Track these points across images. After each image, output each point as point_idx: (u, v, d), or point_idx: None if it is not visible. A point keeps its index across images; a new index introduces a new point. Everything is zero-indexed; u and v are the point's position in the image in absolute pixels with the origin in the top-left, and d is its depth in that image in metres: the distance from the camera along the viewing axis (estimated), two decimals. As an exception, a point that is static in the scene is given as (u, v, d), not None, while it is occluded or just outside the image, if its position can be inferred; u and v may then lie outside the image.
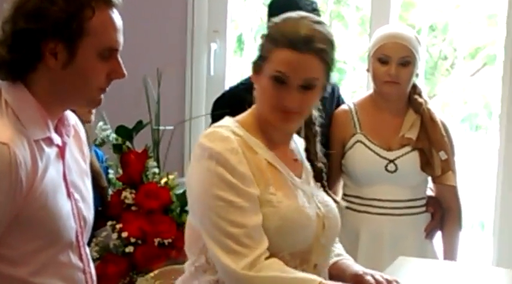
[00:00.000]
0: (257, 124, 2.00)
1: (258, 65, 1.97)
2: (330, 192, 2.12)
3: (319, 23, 1.96)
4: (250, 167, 1.90)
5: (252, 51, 3.98)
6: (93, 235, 2.73)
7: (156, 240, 2.72)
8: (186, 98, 3.79)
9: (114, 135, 2.94)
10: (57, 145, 1.78)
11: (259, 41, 2.00)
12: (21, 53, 1.67)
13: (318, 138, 2.13)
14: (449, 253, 2.98)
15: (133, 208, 2.79)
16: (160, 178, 2.89)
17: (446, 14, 4.05)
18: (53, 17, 1.66)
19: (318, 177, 2.10)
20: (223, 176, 1.86)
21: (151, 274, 2.50)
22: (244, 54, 4.06)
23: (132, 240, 2.72)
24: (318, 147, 2.13)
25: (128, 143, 2.92)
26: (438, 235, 3.01)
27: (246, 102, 2.84)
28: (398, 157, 2.85)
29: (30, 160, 1.68)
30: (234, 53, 4.04)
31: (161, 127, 3.28)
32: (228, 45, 3.78)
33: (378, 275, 2.02)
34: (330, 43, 1.95)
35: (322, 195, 2.07)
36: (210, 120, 3.10)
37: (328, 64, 1.95)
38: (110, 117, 3.12)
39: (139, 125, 3.01)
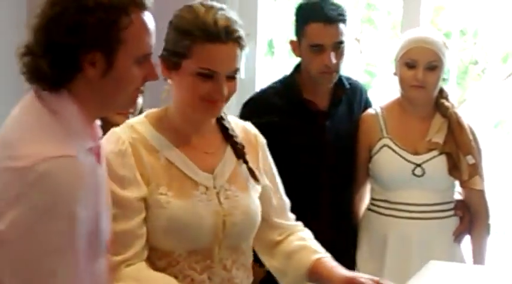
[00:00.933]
0: (167, 121, 2.02)
1: (173, 62, 1.96)
2: (254, 170, 2.10)
3: (222, 8, 1.97)
4: (141, 167, 1.94)
5: (283, 54, 4.01)
6: None
7: None
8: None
9: None
10: (96, 152, 1.76)
11: (172, 35, 1.97)
12: (61, 66, 1.63)
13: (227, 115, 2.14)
14: (478, 258, 2.97)
15: None
16: None
17: (477, 18, 4.03)
18: (92, 28, 1.61)
19: (238, 154, 2.09)
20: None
21: None
22: (274, 57, 4.08)
23: None
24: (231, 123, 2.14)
25: None
26: (467, 239, 3.00)
27: (274, 105, 2.85)
28: (426, 161, 2.85)
29: (90, 171, 1.64)
30: (265, 56, 4.05)
31: None
32: (259, 49, 3.80)
33: (370, 278, 2.02)
34: (241, 27, 1.97)
35: (235, 189, 2.05)
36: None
37: (244, 49, 1.98)
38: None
39: None
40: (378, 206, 2.92)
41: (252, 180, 2.10)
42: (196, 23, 1.93)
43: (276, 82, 3.03)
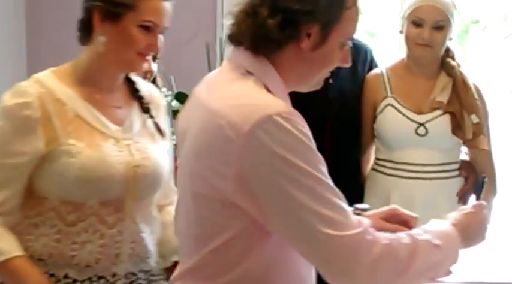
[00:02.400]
0: (76, 75, 2.07)
1: (113, 13, 2.01)
2: (158, 124, 2.17)
3: None
4: (48, 120, 1.99)
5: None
6: None
7: None
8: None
9: (176, 102, 2.90)
10: None
11: None
12: (285, 31, 1.67)
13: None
14: (483, 218, 2.97)
15: None
16: None
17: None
18: (323, 1, 1.67)
19: (144, 109, 2.16)
20: (1, 138, 1.99)
21: None
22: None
23: None
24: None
25: None
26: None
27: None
28: (429, 121, 2.84)
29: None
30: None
31: None
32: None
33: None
34: None
35: (145, 142, 2.12)
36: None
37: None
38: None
39: None
40: (383, 166, 2.92)
41: (159, 135, 2.17)
42: None
43: None
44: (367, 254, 1.57)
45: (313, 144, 1.63)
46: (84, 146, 2.00)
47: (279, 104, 1.62)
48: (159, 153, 2.14)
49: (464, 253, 1.71)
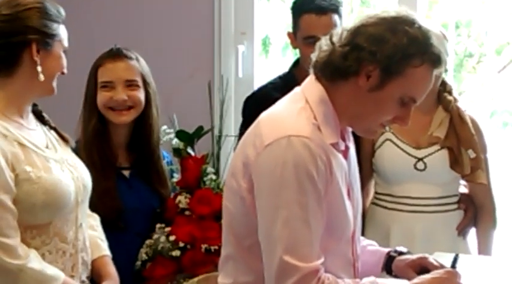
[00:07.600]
0: (7, 108, 2.13)
1: (47, 43, 2.16)
2: (63, 134, 2.30)
3: None
4: (3, 153, 2.04)
5: (277, 53, 4.01)
6: (148, 237, 2.72)
7: (204, 246, 2.68)
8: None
9: (176, 140, 2.88)
10: (342, 150, 1.89)
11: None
12: (347, 62, 1.81)
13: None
14: (484, 252, 2.96)
15: (186, 212, 2.75)
16: (217, 185, 2.83)
17: (470, 10, 4.04)
18: (389, 48, 1.77)
19: (56, 131, 2.28)
20: None
21: (196, 279, 2.57)
22: (269, 55, 4.08)
23: (181, 244, 2.68)
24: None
25: (189, 148, 2.87)
26: (472, 233, 3.00)
27: (274, 100, 2.87)
28: (427, 156, 2.86)
29: (325, 160, 1.80)
30: (259, 55, 4.05)
31: (224, 134, 3.24)
32: (255, 48, 3.79)
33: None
34: None
35: (71, 157, 2.25)
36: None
37: None
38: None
39: (200, 130, 2.95)
40: (382, 200, 2.93)
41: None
42: None
43: (275, 78, 3.06)
44: None
45: (320, 174, 1.77)
46: (38, 171, 2.08)
47: (304, 129, 1.78)
48: (83, 164, 2.29)
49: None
